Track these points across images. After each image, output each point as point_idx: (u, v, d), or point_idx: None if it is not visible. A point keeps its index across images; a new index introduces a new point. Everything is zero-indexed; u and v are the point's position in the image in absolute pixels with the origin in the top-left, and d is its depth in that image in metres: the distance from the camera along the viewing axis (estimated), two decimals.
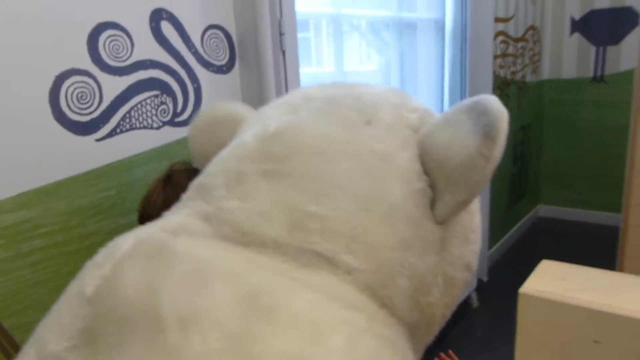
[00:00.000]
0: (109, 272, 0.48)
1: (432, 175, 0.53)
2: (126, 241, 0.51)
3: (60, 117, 0.87)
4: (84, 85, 0.90)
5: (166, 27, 1.03)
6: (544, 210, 3.42)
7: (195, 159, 0.73)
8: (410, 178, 0.53)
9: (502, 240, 2.86)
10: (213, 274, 0.45)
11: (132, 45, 0.97)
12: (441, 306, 0.57)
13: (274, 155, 0.55)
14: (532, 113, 3.09)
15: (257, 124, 0.61)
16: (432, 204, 0.53)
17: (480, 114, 0.51)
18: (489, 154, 0.49)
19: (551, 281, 0.64)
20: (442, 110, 2.33)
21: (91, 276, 0.49)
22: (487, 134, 0.49)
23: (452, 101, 2.33)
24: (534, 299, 0.61)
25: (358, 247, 0.49)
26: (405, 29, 1.95)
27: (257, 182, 0.53)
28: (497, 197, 2.68)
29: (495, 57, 2.48)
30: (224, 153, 0.60)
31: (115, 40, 0.94)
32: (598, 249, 2.28)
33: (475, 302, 2.34)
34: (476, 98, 0.53)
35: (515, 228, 3.06)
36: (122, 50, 0.96)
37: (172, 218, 0.55)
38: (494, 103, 0.51)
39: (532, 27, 2.94)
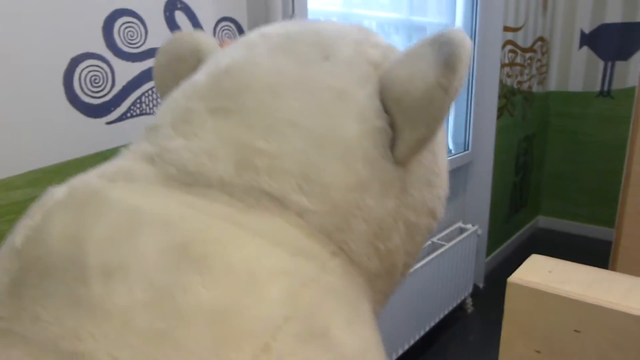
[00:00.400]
0: (38, 222, 0.45)
1: (392, 113, 0.50)
2: (59, 190, 0.48)
3: (73, 98, 0.90)
4: (97, 69, 0.93)
5: (180, 17, 1.06)
6: (543, 221, 3.43)
7: (162, 98, 0.69)
8: (368, 116, 0.50)
9: (500, 248, 2.87)
10: (144, 222, 0.42)
11: (146, 32, 1.00)
12: (402, 254, 0.54)
13: (223, 91, 0.52)
14: (536, 124, 3.10)
15: (212, 63, 0.58)
16: (393, 144, 0.51)
17: (442, 45, 0.48)
18: (448, 85, 0.46)
19: (539, 273, 0.66)
20: (447, 120, 2.34)
21: (22, 227, 0.46)
22: (447, 63, 0.46)
23: (457, 107, 2.35)
24: (520, 288, 0.63)
25: (310, 186, 0.46)
26: (415, 32, 1.98)
27: (205, 119, 0.50)
28: (498, 205, 2.70)
29: (503, 65, 2.49)
30: (175, 92, 0.57)
31: (130, 27, 0.97)
32: (594, 263, 2.29)
33: (470, 308, 2.35)
34: (441, 30, 0.50)
35: (514, 237, 3.07)
36: (136, 37, 0.98)
37: (113, 163, 0.52)
38: (458, 33, 0.48)
39: (541, 38, 2.96)
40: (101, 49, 0.93)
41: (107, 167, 0.51)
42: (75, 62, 0.89)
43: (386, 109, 0.51)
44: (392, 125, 0.51)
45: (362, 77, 0.52)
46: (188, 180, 0.47)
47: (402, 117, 0.50)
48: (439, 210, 0.59)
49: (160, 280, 0.38)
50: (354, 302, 0.46)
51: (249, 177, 0.46)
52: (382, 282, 0.53)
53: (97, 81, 0.93)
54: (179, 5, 1.05)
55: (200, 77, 0.56)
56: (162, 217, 0.43)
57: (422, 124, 0.48)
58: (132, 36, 0.97)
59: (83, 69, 0.90)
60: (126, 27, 0.96)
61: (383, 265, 0.52)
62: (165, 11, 1.02)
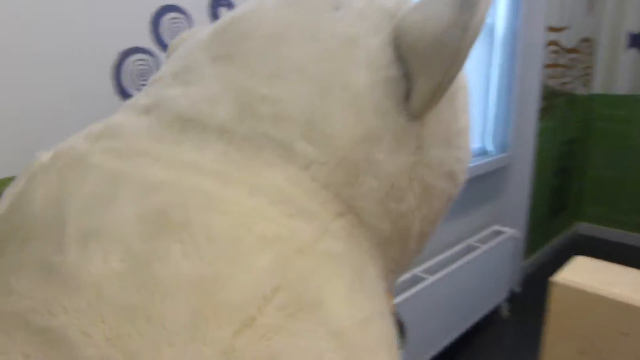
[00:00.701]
0: (22, 187, 0.43)
1: (407, 61, 0.46)
2: (45, 154, 0.46)
3: (122, 91, 0.93)
4: (145, 63, 0.95)
5: (225, 14, 1.08)
6: (584, 227, 3.34)
7: None
8: (379, 65, 0.46)
9: (538, 253, 2.81)
10: (124, 186, 0.39)
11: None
12: (418, 218, 0.50)
13: (226, 40, 0.50)
14: (579, 127, 3.02)
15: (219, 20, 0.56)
16: (408, 96, 0.47)
17: None
18: (467, 23, 0.42)
19: (584, 274, 0.64)
20: (485, 119, 2.31)
21: (7, 193, 0.45)
22: (465, 0, 0.42)
23: (497, 109, 2.31)
24: (565, 288, 0.61)
25: (316, 136, 0.43)
26: None
27: (206, 67, 0.48)
28: (536, 209, 2.64)
29: (545, 66, 2.44)
30: (180, 48, 0.56)
31: (176, 22, 0.99)
32: None
33: (505, 312, 2.31)
34: None
35: (552, 242, 3.00)
36: (183, 33, 1.01)
37: (105, 120, 0.50)
38: None
39: (587, 39, 2.87)
40: (149, 43, 0.96)
41: (97, 125, 0.49)
42: (123, 55, 0.92)
43: (401, 59, 0.47)
44: (408, 76, 0.47)
45: (375, 26, 0.48)
46: (185, 126, 0.44)
47: (417, 65, 0.45)
48: (460, 173, 0.54)
49: (137, 249, 0.35)
50: (357, 269, 0.42)
51: (251, 124, 0.43)
52: (393, 249, 0.50)
53: (144, 75, 0.96)
54: (223, 2, 1.07)
55: (204, 31, 0.55)
56: (144, 180, 0.40)
57: (438, 69, 0.44)
58: (178, 32, 1.00)
59: (131, 63, 0.93)
60: (173, 23, 0.99)
61: (395, 228, 0.48)
62: (210, 8, 1.05)
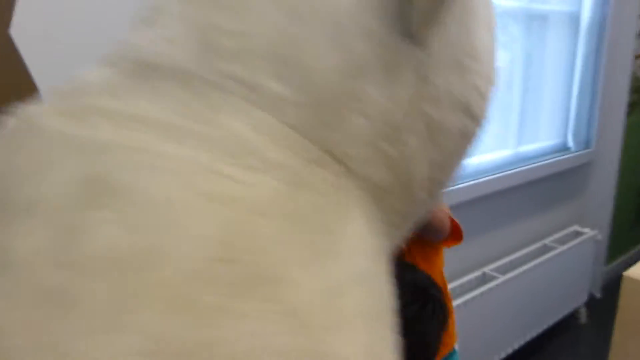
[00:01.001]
0: None
1: None
2: (11, 120, 0.42)
3: None
4: None
5: None
6: None
7: None
8: None
9: (622, 258, 2.63)
10: (69, 150, 0.35)
11: None
12: (424, 163, 0.42)
13: None
14: None
15: None
16: (406, 16, 0.38)
17: None
18: None
19: None
20: (568, 115, 2.18)
21: None
22: None
23: (580, 103, 2.18)
24: (637, 283, 0.57)
25: (289, 71, 0.36)
26: (534, 21, 1.86)
27: (172, 6, 0.42)
28: (622, 210, 2.47)
29: (637, 57, 2.27)
30: None
31: None
32: None
33: (583, 318, 2.19)
34: None
35: (639, 247, 2.79)
36: None
37: (74, 78, 0.46)
38: None
39: None
40: None
41: (67, 83, 0.44)
42: None
43: None
44: None
45: None
46: (145, 73, 0.39)
47: None
48: (477, 105, 0.45)
49: (68, 221, 0.31)
50: (330, 227, 0.36)
51: (214, 64, 0.37)
52: (396, 200, 0.42)
53: None
54: None
55: None
56: (90, 143, 0.35)
57: None
58: None
59: None
60: None
61: (394, 175, 0.41)
62: None
